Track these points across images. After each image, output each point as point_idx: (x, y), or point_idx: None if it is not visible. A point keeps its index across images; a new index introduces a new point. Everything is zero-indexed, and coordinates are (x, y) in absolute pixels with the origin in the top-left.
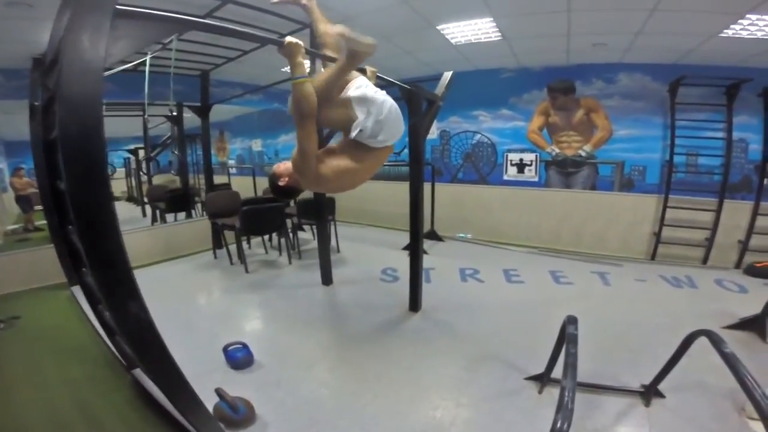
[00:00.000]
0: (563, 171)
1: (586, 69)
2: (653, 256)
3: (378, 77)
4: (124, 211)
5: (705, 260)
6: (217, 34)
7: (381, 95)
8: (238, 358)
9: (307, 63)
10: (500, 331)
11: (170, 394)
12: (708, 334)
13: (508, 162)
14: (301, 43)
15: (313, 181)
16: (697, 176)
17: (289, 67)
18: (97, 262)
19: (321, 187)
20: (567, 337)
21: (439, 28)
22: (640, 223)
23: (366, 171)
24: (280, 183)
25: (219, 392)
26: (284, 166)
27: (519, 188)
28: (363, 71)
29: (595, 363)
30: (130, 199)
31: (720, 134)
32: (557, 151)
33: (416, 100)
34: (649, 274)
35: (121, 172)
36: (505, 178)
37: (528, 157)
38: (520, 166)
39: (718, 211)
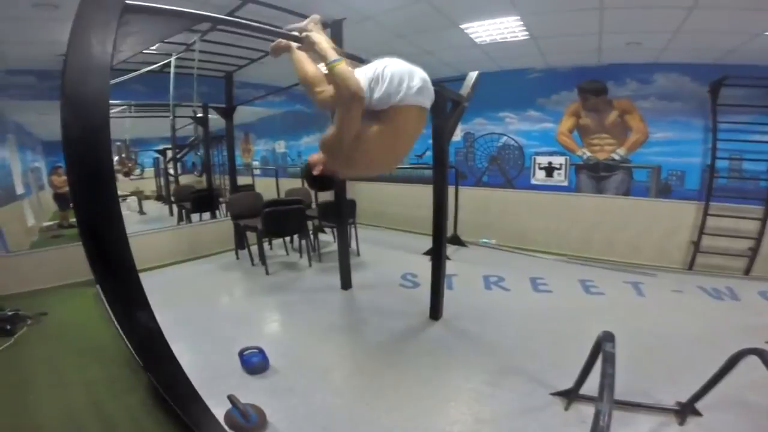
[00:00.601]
0: (595, 175)
1: (619, 69)
2: (691, 266)
3: None
4: (153, 209)
5: (747, 271)
6: (231, 28)
7: (379, 65)
8: (254, 363)
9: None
10: (526, 342)
11: (180, 405)
12: (760, 353)
13: (536, 165)
14: (317, 34)
15: (345, 160)
16: (741, 182)
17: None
18: (104, 271)
19: (353, 166)
20: (603, 355)
21: (462, 26)
22: (677, 232)
23: (395, 137)
24: (315, 172)
25: (231, 399)
26: (317, 155)
27: (547, 193)
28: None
29: (626, 377)
30: (159, 198)
31: (767, 137)
32: (588, 154)
33: (440, 100)
34: (686, 284)
35: (150, 171)
36: (533, 182)
37: (557, 160)
38: (549, 170)
39: (764, 220)
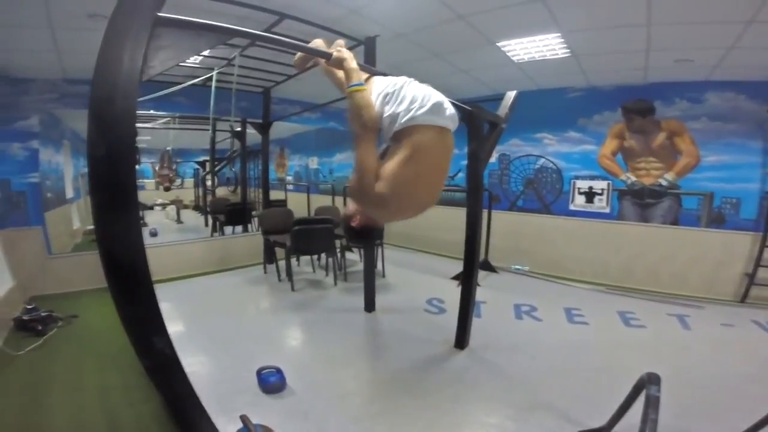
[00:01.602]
0: (640, 202)
1: (667, 88)
2: (744, 298)
3: None
4: (190, 218)
5: None
6: (266, 44)
7: (399, 82)
8: (271, 382)
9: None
10: (556, 376)
11: (189, 429)
12: None
13: (576, 190)
14: (349, 52)
15: (376, 201)
16: None
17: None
18: (122, 295)
19: (386, 206)
20: (647, 399)
21: (499, 44)
22: (729, 263)
23: (418, 163)
24: (353, 224)
25: (243, 419)
26: (352, 205)
27: (587, 220)
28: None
29: (667, 417)
30: (196, 207)
31: None
32: (633, 179)
33: (477, 122)
34: (738, 318)
35: (190, 181)
36: (572, 207)
37: (599, 185)
38: (589, 195)
39: None
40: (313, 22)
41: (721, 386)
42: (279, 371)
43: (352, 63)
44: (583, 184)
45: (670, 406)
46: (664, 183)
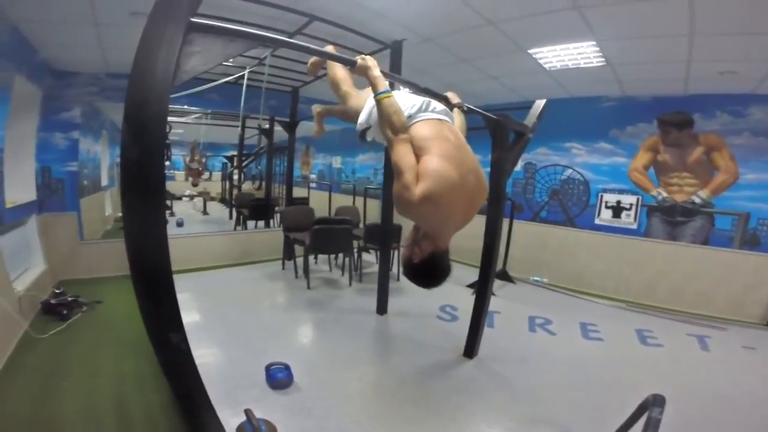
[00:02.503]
0: (670, 219)
1: (708, 100)
2: None
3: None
4: (215, 210)
5: None
6: (292, 50)
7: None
8: (278, 378)
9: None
10: (564, 391)
11: (195, 421)
12: None
13: (603, 203)
14: (373, 60)
15: (423, 198)
16: None
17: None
18: (145, 292)
19: (436, 203)
20: (648, 420)
21: (530, 52)
22: (760, 286)
23: (442, 146)
24: (414, 260)
25: (247, 413)
26: (407, 240)
27: (612, 235)
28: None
29: None
30: (222, 200)
31: None
32: (665, 195)
33: (503, 131)
34: (762, 341)
35: (218, 174)
36: (597, 222)
37: (627, 199)
38: (617, 210)
39: None
40: (341, 24)
41: (732, 408)
42: (287, 368)
43: (376, 71)
44: (611, 198)
45: (676, 426)
46: (697, 201)
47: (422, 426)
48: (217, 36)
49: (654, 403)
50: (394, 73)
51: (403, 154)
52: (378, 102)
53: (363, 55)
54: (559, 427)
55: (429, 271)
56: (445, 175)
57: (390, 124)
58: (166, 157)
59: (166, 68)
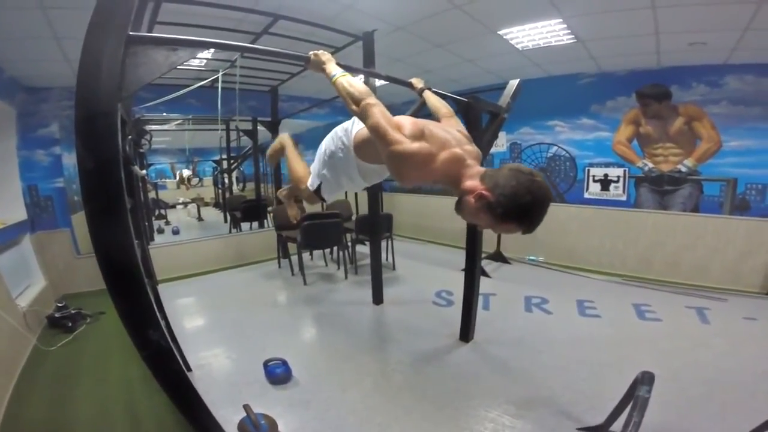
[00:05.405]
0: (658, 189)
1: (683, 72)
2: None
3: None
4: (210, 215)
5: None
6: (250, 54)
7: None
8: (276, 374)
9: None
10: (561, 372)
11: (191, 420)
12: None
13: (590, 178)
14: (327, 53)
15: (413, 138)
16: None
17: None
18: (118, 294)
19: (424, 139)
20: (635, 399)
21: (500, 33)
22: (755, 252)
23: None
24: (491, 199)
25: (246, 408)
26: (462, 205)
27: (602, 208)
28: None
29: (672, 414)
30: (216, 205)
31: None
32: (650, 165)
33: (474, 113)
34: (763, 311)
35: (209, 179)
36: (586, 196)
37: (614, 172)
38: (605, 183)
39: None
40: (309, 21)
41: (735, 383)
42: (285, 363)
43: (327, 65)
44: (597, 172)
45: (675, 402)
46: (683, 169)
47: (417, 413)
48: (158, 46)
49: (642, 382)
50: (369, 64)
51: (379, 116)
52: (334, 84)
53: (315, 55)
54: (556, 407)
55: (516, 193)
56: (419, 120)
57: (351, 96)
58: (140, 165)
59: (109, 81)
